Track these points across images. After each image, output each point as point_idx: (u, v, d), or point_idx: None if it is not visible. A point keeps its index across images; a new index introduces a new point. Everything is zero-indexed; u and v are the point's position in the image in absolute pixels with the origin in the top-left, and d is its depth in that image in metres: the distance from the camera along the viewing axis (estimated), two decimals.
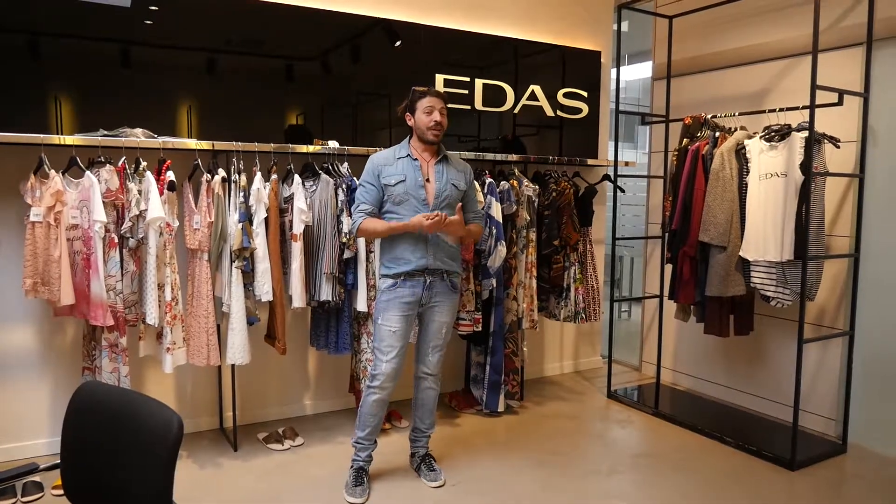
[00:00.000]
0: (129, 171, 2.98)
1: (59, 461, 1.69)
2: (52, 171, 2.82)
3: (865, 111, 3.40)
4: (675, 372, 4.65)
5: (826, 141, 3.32)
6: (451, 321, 3.08)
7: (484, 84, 4.18)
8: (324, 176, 3.35)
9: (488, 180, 3.71)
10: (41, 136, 2.85)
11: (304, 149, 3.43)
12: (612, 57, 4.74)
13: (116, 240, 2.93)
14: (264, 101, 3.58)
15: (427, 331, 3.03)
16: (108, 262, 2.90)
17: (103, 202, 2.85)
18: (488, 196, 3.66)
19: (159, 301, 3.02)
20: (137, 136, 3.04)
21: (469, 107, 4.15)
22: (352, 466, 3.01)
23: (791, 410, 3.32)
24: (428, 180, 2.89)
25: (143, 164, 3.01)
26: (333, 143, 3.52)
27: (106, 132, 3.01)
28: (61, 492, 1.84)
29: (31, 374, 3.26)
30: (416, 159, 2.90)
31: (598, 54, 4.66)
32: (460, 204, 2.95)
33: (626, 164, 4.60)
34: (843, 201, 3.59)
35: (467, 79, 4.12)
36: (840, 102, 3.26)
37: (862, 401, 3.54)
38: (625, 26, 4.62)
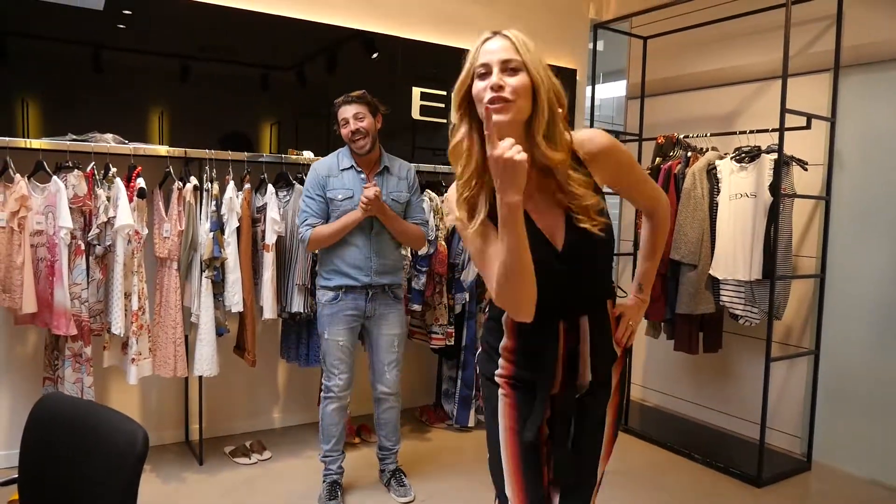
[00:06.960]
0: (97, 176, 2.92)
1: (16, 475, 1.63)
2: (18, 176, 2.75)
3: (832, 135, 3.48)
4: (644, 388, 4.68)
5: (794, 163, 3.40)
6: (403, 332, 3.01)
7: None
8: (297, 186, 3.32)
9: None
10: (6, 139, 2.79)
11: (278, 158, 3.40)
12: (588, 75, 4.79)
13: (83, 247, 2.87)
14: (239, 110, 3.54)
15: (378, 346, 2.94)
16: (73, 269, 2.83)
17: (70, 208, 2.78)
18: None
19: (126, 310, 2.95)
20: (107, 142, 2.98)
21: (446, 120, 4.15)
22: (324, 480, 2.97)
23: (758, 428, 3.36)
24: None
25: (113, 170, 2.96)
26: (308, 154, 3.49)
27: (75, 137, 2.95)
28: None
29: None
30: (360, 170, 2.85)
31: (573, 72, 4.71)
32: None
33: None
34: (809, 223, 3.67)
35: (444, 92, 4.13)
36: (808, 126, 3.33)
37: (826, 419, 3.60)
38: (600, 45, 4.69)
